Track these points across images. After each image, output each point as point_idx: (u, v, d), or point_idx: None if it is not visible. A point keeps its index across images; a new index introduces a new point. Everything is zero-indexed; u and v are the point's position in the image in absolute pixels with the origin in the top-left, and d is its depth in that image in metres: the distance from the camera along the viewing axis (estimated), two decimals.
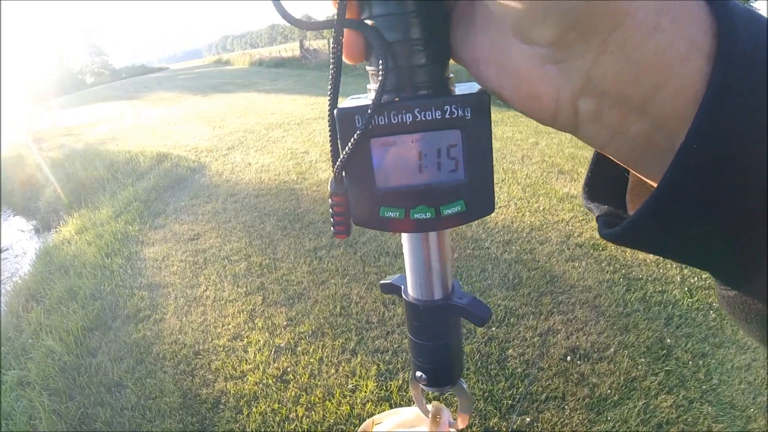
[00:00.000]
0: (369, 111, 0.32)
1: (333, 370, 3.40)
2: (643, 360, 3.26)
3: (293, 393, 3.27)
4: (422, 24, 0.32)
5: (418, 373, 0.51)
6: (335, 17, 0.32)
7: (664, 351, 3.34)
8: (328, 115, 0.35)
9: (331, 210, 0.39)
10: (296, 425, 3.05)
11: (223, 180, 7.31)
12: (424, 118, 0.33)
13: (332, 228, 0.39)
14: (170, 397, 3.37)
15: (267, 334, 3.81)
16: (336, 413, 3.08)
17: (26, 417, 3.46)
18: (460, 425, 0.57)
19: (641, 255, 4.43)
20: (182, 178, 7.59)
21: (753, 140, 0.23)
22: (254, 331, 3.87)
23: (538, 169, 6.73)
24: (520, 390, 3.09)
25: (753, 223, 0.24)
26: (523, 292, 4.03)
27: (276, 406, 3.19)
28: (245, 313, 4.09)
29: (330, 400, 3.17)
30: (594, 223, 4.96)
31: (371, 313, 3.91)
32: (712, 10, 0.24)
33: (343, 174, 0.36)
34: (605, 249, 4.54)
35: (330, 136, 0.36)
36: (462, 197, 0.34)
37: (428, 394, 0.61)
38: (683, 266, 4.26)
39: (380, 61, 0.31)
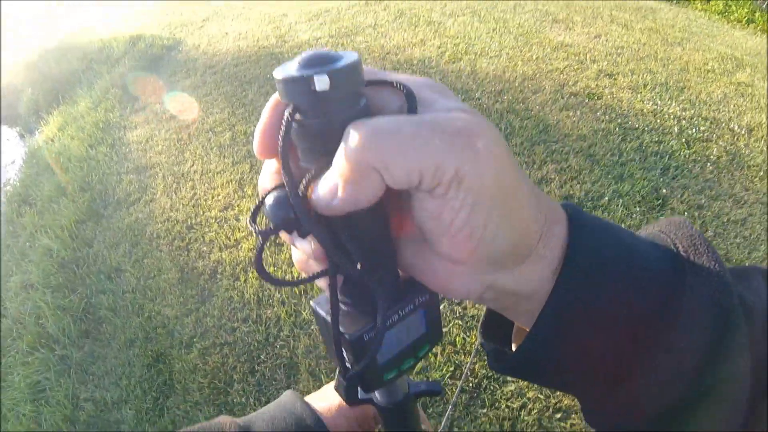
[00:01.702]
0: (378, 332, 0.37)
1: None
2: (638, 209, 3.17)
3: (287, 255, 3.22)
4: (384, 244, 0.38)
5: None
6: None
7: (660, 201, 3.25)
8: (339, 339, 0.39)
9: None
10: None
11: (200, 53, 6.96)
12: (403, 313, 0.40)
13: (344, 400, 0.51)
14: (168, 274, 3.35)
15: (257, 200, 3.70)
16: None
17: (33, 317, 3.47)
18: None
19: (638, 104, 4.23)
20: (158, 57, 7.23)
21: (571, 324, 0.36)
22: (244, 200, 3.77)
23: (531, 17, 6.29)
24: None
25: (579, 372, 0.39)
26: (515, 141, 3.88)
27: (271, 269, 3.15)
28: (234, 182, 3.98)
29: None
30: (590, 72, 4.71)
31: None
32: (569, 236, 0.37)
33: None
34: (601, 98, 4.33)
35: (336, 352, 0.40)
36: (427, 341, 0.45)
37: None
38: (681, 117, 4.12)
39: (379, 302, 0.37)
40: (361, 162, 0.29)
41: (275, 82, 0.33)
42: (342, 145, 0.30)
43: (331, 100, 0.31)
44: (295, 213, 0.33)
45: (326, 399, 0.65)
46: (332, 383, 0.67)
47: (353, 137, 0.29)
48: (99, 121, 5.67)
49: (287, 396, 0.65)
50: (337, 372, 0.47)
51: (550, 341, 0.37)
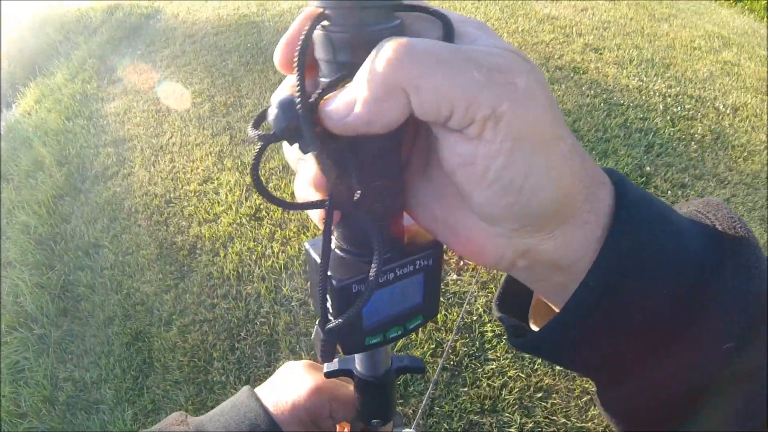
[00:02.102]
0: (369, 286, 0.33)
1: None
2: None
3: (268, 230, 3.16)
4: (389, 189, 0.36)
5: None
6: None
7: (644, 179, 3.22)
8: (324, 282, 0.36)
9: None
10: (272, 261, 2.96)
11: (179, 22, 6.79)
12: (400, 273, 0.38)
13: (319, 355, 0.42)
14: (147, 250, 3.28)
15: (237, 173, 3.64)
16: None
17: (11, 296, 3.41)
18: None
19: (623, 80, 4.17)
20: (136, 26, 7.04)
21: (612, 302, 0.32)
22: (224, 172, 3.69)
23: None
24: None
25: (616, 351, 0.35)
26: None
27: (251, 244, 3.09)
28: (213, 155, 3.89)
29: (304, 234, 3.07)
30: (576, 46, 4.62)
31: None
32: (615, 199, 0.33)
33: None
34: (586, 72, 4.25)
35: (325, 303, 0.38)
36: (420, 313, 0.42)
37: None
38: (666, 95, 4.08)
39: (376, 252, 0.34)
40: (389, 77, 0.26)
41: None
42: (369, 59, 0.27)
43: (364, 9, 0.29)
44: (300, 121, 0.29)
45: (282, 394, 0.62)
46: (286, 365, 0.67)
47: (385, 51, 0.26)
48: (76, 93, 5.54)
49: (242, 395, 0.62)
50: (316, 323, 0.42)
51: (585, 320, 0.33)
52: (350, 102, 0.27)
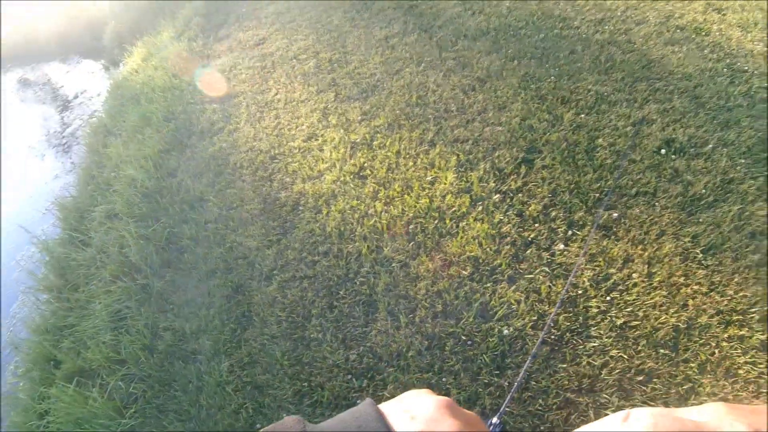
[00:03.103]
0: None
1: (411, 163, 3.09)
2: (743, 161, 2.79)
3: (371, 188, 3.01)
4: None
5: None
6: None
7: (766, 154, 2.83)
8: None
9: None
10: (375, 220, 2.81)
11: None
12: None
13: None
14: (251, 205, 3.22)
15: (342, 130, 3.50)
16: (415, 206, 2.81)
17: (117, 247, 3.43)
18: None
19: (748, 45, 3.71)
20: None
21: None
22: (328, 129, 3.57)
23: None
24: (609, 183, 2.72)
25: None
26: (616, 76, 3.49)
27: (354, 203, 2.95)
28: (318, 111, 3.77)
29: (408, 194, 2.90)
30: (698, 5, 4.17)
31: (449, 101, 3.50)
32: None
33: None
34: (708, 34, 3.82)
35: None
36: None
37: None
38: None
39: None
40: None
41: None
42: None
43: None
44: None
45: (409, 411, 0.54)
46: (413, 392, 0.57)
47: None
48: (182, 51, 5.57)
49: (364, 407, 0.54)
50: None
51: None
52: None
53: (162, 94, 4.89)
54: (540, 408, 1.98)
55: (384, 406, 0.55)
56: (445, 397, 0.55)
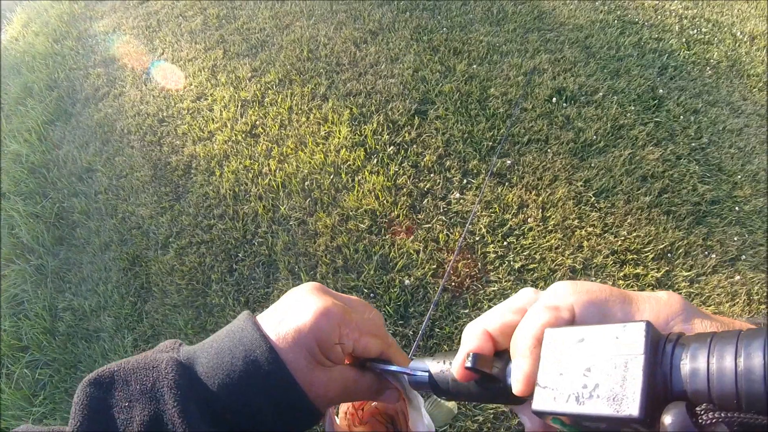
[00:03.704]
0: None
1: (304, 119, 3.06)
2: (633, 108, 2.93)
3: (264, 147, 2.97)
4: None
5: None
6: None
7: (656, 101, 3.00)
8: None
9: None
10: (270, 179, 2.79)
11: None
12: None
13: None
14: (141, 172, 3.13)
15: (231, 88, 3.42)
16: (309, 162, 2.80)
17: (7, 228, 3.28)
18: None
19: None
20: None
21: None
22: (218, 88, 3.47)
23: None
24: (502, 131, 2.79)
25: None
26: (507, 27, 3.54)
27: (248, 162, 2.91)
28: (206, 70, 3.66)
29: (302, 150, 2.88)
30: None
31: (341, 54, 3.46)
32: None
33: None
34: None
35: None
36: None
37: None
38: (683, 16, 3.78)
39: None
40: None
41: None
42: None
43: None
44: None
45: (284, 319, 0.52)
46: (292, 290, 0.55)
47: None
48: (63, 14, 5.26)
49: (240, 320, 0.54)
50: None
51: None
52: None
53: (43, 61, 4.62)
54: None
55: (262, 314, 0.55)
56: (314, 282, 0.56)
